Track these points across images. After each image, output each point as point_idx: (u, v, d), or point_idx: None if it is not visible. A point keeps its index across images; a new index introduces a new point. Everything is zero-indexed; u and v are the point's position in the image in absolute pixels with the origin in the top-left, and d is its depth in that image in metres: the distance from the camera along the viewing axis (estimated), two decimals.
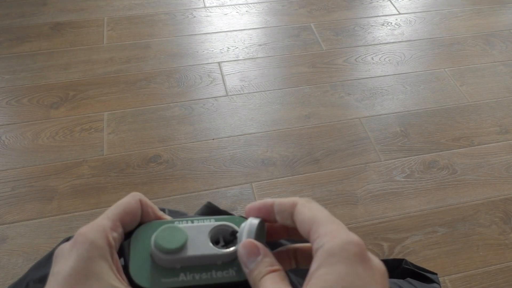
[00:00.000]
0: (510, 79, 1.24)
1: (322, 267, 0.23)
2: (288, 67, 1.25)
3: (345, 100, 1.16)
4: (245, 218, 0.30)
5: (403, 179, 0.98)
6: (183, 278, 0.28)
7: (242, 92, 1.17)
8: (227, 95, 1.16)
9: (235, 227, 0.30)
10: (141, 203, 0.29)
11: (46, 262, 0.72)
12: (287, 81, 1.21)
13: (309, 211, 0.26)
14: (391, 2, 1.51)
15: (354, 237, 0.24)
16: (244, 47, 1.31)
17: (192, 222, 0.30)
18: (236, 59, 1.27)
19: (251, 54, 1.29)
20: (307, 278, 0.24)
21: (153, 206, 0.30)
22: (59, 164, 0.99)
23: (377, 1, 1.51)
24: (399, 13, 1.46)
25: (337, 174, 0.99)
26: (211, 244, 0.28)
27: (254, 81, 1.21)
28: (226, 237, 0.30)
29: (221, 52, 1.29)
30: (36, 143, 1.03)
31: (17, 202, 0.92)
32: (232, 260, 0.29)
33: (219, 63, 1.26)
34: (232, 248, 0.28)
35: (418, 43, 1.35)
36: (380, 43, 1.34)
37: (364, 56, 1.30)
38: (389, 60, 1.29)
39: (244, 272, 0.28)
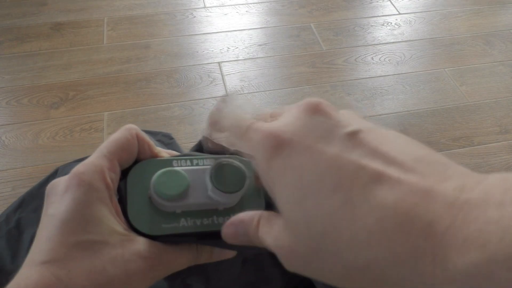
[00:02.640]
0: (510, 79, 1.24)
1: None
2: (288, 67, 1.25)
3: (345, 100, 1.16)
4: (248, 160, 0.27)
5: None
6: (183, 223, 0.26)
7: (242, 92, 1.17)
8: (227, 95, 1.16)
9: (243, 169, 0.27)
10: (138, 138, 0.26)
11: (38, 192, 0.72)
12: (287, 81, 1.21)
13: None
14: (391, 2, 1.51)
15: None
16: (244, 47, 1.31)
17: (192, 162, 0.28)
18: (236, 59, 1.27)
19: (251, 54, 1.29)
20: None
21: (150, 142, 0.27)
22: (59, 164, 0.99)
23: (377, 1, 1.51)
24: (399, 13, 1.46)
25: None
26: (212, 190, 0.26)
27: (254, 81, 1.21)
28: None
29: (221, 52, 1.29)
30: (36, 143, 1.03)
31: None
32: (235, 205, 0.27)
33: (219, 63, 1.26)
34: (238, 192, 0.27)
35: (418, 43, 1.35)
36: (380, 43, 1.34)
37: (364, 56, 1.30)
38: (389, 60, 1.29)
39: None
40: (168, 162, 0.28)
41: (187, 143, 1.04)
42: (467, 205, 0.15)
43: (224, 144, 0.25)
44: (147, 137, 0.27)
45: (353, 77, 1.23)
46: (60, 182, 0.24)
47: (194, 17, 1.42)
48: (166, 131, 1.07)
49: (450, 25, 1.42)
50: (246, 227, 0.22)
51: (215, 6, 1.46)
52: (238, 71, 1.23)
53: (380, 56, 1.30)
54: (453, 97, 1.18)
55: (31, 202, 0.74)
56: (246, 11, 1.45)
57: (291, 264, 0.20)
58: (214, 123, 0.26)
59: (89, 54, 1.27)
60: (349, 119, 0.21)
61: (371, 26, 1.41)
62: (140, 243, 0.24)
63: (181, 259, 0.25)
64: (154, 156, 0.28)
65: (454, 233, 0.14)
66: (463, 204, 0.15)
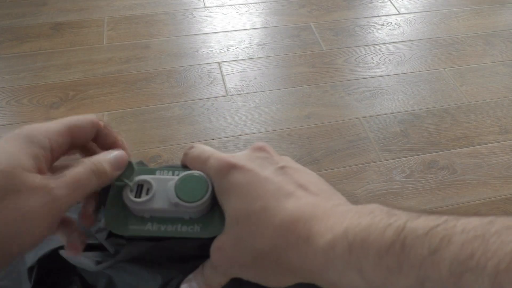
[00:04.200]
0: (510, 79, 1.24)
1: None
2: (288, 67, 1.25)
3: (345, 100, 1.16)
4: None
5: (403, 179, 0.98)
6: (149, 227, 0.29)
7: (242, 92, 1.17)
8: (227, 95, 1.16)
9: (207, 180, 0.30)
10: (95, 124, 0.30)
11: None
12: (287, 81, 1.21)
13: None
14: (391, 2, 1.51)
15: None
16: (244, 47, 1.31)
17: (173, 173, 0.31)
18: (236, 59, 1.27)
19: (251, 54, 1.29)
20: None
21: (110, 132, 0.31)
22: None
23: (377, 1, 1.51)
24: (399, 13, 1.46)
25: (337, 174, 0.99)
26: (177, 199, 0.29)
27: (254, 81, 1.21)
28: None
29: (221, 52, 1.29)
30: None
31: None
32: (200, 217, 0.29)
33: (219, 63, 1.26)
34: (197, 203, 0.28)
35: (418, 43, 1.35)
36: (380, 43, 1.34)
37: (364, 56, 1.30)
38: (389, 60, 1.29)
39: (208, 231, 0.29)
40: (151, 171, 0.31)
41: (187, 143, 1.04)
42: (331, 223, 0.25)
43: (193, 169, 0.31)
44: (108, 128, 0.31)
45: (353, 77, 1.23)
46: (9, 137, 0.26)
47: (194, 17, 1.42)
48: (167, 134, 1.07)
49: (450, 25, 1.42)
50: (196, 277, 0.30)
51: (215, 6, 1.46)
52: (238, 71, 1.23)
53: (380, 56, 1.30)
54: (453, 97, 1.18)
55: None
56: (246, 11, 1.45)
57: (219, 259, 0.28)
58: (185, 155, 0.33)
59: (89, 54, 1.27)
60: (282, 160, 0.30)
61: (371, 26, 1.41)
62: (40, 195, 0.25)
63: (83, 187, 0.26)
64: (113, 144, 0.31)
65: (320, 230, 0.24)
66: (332, 221, 0.25)
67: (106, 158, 0.28)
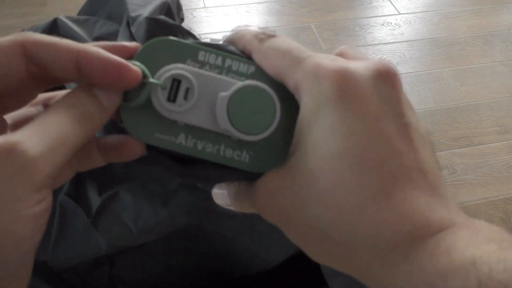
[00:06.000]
0: (510, 79, 1.24)
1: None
2: None
3: None
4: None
5: None
6: (181, 141, 0.20)
7: None
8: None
9: (275, 100, 0.20)
10: (25, 44, 0.17)
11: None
12: None
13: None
14: (391, 2, 1.51)
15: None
16: None
17: (223, 61, 0.21)
18: None
19: None
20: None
21: (55, 43, 0.18)
22: None
23: (377, 1, 1.51)
24: (399, 13, 1.46)
25: None
26: (229, 125, 0.20)
27: None
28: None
29: None
30: None
31: None
32: (253, 141, 0.21)
33: None
34: (257, 136, 0.20)
35: (418, 43, 1.35)
36: (380, 43, 1.34)
37: None
38: (389, 60, 1.29)
39: (258, 164, 0.21)
40: (191, 50, 0.21)
41: None
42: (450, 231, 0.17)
43: (266, 68, 0.21)
44: (48, 40, 0.18)
45: None
46: None
47: (194, 17, 1.42)
48: None
49: (450, 25, 1.42)
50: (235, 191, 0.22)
51: (215, 6, 1.46)
52: None
53: (380, 56, 1.30)
54: (453, 97, 1.18)
55: None
56: (246, 11, 1.45)
57: (266, 206, 0.20)
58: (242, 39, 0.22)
59: None
60: (409, 109, 0.20)
61: (371, 26, 1.41)
62: None
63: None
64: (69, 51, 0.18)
65: (431, 247, 0.16)
66: (450, 240, 0.17)
67: (91, 92, 0.18)
